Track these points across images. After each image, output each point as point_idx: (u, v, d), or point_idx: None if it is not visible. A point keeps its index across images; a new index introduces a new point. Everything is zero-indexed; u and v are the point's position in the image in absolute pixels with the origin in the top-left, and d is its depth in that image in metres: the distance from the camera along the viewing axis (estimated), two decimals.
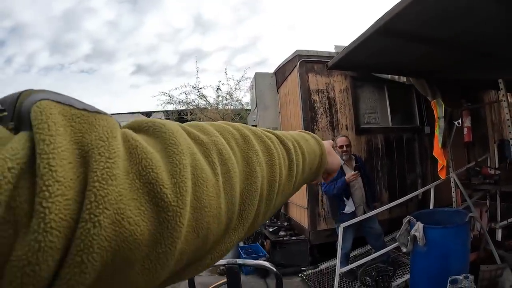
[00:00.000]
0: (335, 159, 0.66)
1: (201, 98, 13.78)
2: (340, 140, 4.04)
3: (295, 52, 5.32)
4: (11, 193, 0.20)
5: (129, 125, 0.31)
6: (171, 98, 13.70)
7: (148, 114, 18.68)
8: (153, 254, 0.25)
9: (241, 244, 5.66)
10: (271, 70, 6.75)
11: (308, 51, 5.25)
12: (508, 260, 3.24)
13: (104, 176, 0.22)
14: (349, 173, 3.80)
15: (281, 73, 6.19)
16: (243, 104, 13.77)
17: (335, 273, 3.66)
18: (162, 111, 16.61)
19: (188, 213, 0.27)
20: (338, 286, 3.55)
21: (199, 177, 0.29)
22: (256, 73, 6.76)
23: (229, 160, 0.34)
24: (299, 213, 5.43)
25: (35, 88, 0.25)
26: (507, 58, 3.14)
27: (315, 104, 5.07)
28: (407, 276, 3.58)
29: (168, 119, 13.38)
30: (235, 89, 13.55)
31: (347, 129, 5.12)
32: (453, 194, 4.09)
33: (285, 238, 5.16)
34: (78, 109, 0.24)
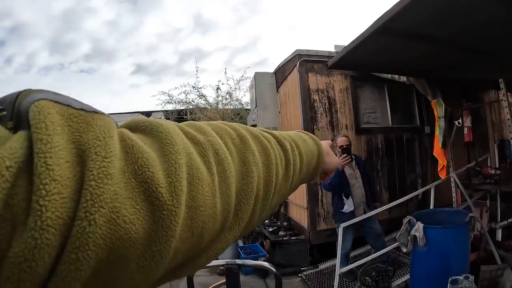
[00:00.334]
0: (332, 159, 0.66)
1: (201, 98, 13.77)
2: (341, 140, 4.03)
3: (295, 51, 5.31)
4: (9, 191, 0.20)
5: (126, 124, 0.31)
6: (171, 97, 13.69)
7: (147, 113, 18.68)
8: (148, 252, 0.25)
9: (241, 244, 5.66)
10: (271, 70, 6.74)
11: (308, 50, 5.25)
12: (509, 260, 3.23)
13: (100, 175, 0.23)
14: (340, 159, 3.57)
15: (281, 72, 6.18)
16: (242, 104, 13.76)
17: (335, 273, 3.65)
18: (161, 110, 16.60)
19: (183, 212, 0.27)
20: (338, 286, 3.54)
21: (194, 176, 0.29)
22: (256, 73, 6.76)
23: (225, 160, 0.34)
24: (299, 213, 5.42)
25: (35, 87, 0.26)
26: (508, 58, 3.13)
27: (315, 104, 5.06)
28: (407, 276, 3.58)
29: (168, 118, 13.47)
30: (235, 88, 13.54)
31: (347, 129, 5.11)
32: (453, 194, 4.08)
33: (284, 238, 5.15)
34: (75, 108, 0.25)
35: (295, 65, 5.19)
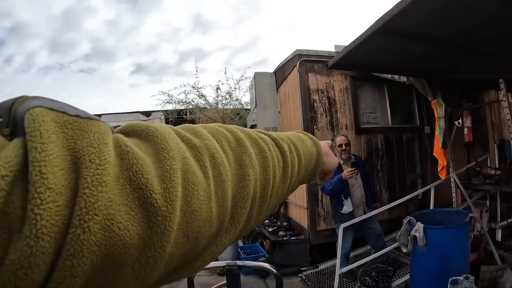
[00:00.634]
0: (332, 160, 0.65)
1: (201, 98, 13.76)
2: (339, 139, 4.03)
3: (295, 51, 5.31)
4: (5, 199, 0.20)
5: (122, 129, 0.31)
6: (171, 97, 13.67)
7: (147, 113, 18.68)
8: (143, 257, 0.25)
9: (241, 244, 5.66)
10: (271, 69, 6.74)
11: (308, 50, 5.24)
12: (509, 260, 3.23)
13: (94, 183, 0.23)
14: (347, 169, 3.77)
15: (281, 72, 6.18)
16: (242, 104, 13.75)
17: (335, 273, 3.65)
18: (161, 110, 16.59)
19: (178, 218, 0.27)
20: (338, 286, 3.54)
21: (190, 181, 0.29)
22: (255, 73, 6.76)
23: (221, 163, 0.34)
24: (299, 213, 5.42)
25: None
26: (508, 58, 3.13)
27: (315, 104, 5.06)
28: (407, 277, 3.58)
29: (168, 118, 13.43)
30: (235, 88, 13.52)
31: (347, 129, 5.11)
32: (453, 194, 4.08)
33: (284, 238, 5.15)
34: (70, 115, 0.25)
35: (295, 65, 5.19)
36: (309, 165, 0.55)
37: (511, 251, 3.54)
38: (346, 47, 3.29)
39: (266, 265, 1.32)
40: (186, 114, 15.49)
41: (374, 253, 3.78)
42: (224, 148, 0.37)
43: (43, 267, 0.21)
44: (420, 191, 4.37)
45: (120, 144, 0.27)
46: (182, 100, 13.71)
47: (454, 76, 4.12)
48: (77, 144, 0.24)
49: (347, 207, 3.85)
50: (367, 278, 3.50)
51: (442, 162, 3.81)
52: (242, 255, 4.86)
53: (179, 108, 14.61)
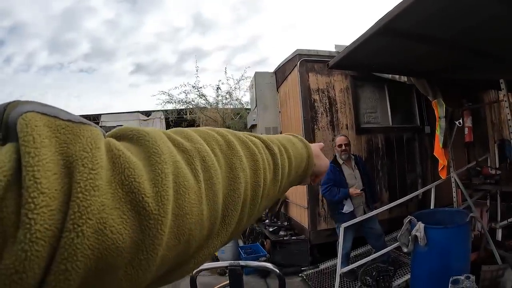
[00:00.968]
0: (322, 162, 0.65)
1: (201, 98, 13.73)
2: (339, 140, 4.04)
3: (295, 51, 5.31)
4: None
5: (114, 133, 0.32)
6: (171, 97, 13.65)
7: (147, 113, 18.68)
8: (135, 260, 0.26)
9: (241, 244, 5.66)
10: (271, 69, 6.74)
11: (308, 50, 5.25)
12: (509, 260, 3.24)
13: (87, 187, 0.23)
14: (354, 189, 3.84)
15: (281, 72, 6.18)
16: (243, 104, 13.73)
17: (335, 273, 3.65)
18: (161, 110, 16.58)
19: (170, 221, 0.28)
20: (339, 286, 3.55)
21: (181, 185, 0.30)
22: (256, 72, 6.75)
23: (212, 167, 0.35)
24: (300, 213, 5.43)
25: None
26: (509, 58, 3.13)
27: (316, 104, 5.06)
28: (407, 276, 3.58)
29: (168, 118, 13.41)
30: (235, 88, 13.51)
31: (347, 128, 5.11)
32: (454, 194, 4.09)
33: (285, 238, 5.16)
34: (63, 120, 0.25)
35: (296, 65, 5.19)
36: (299, 167, 0.56)
37: (511, 250, 3.54)
38: (347, 47, 3.29)
39: (269, 265, 1.32)
40: (186, 114, 15.47)
41: (374, 253, 3.79)
42: (215, 151, 0.37)
43: (38, 271, 0.21)
44: (420, 191, 4.38)
45: (112, 148, 0.27)
46: (182, 99, 13.68)
47: (454, 76, 4.12)
48: (69, 148, 0.24)
49: (347, 207, 3.86)
50: (368, 277, 3.51)
51: (442, 162, 3.82)
52: (243, 254, 4.86)
53: (179, 108, 14.59)
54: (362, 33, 2.91)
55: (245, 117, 11.12)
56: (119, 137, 0.31)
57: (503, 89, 3.52)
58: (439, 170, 3.92)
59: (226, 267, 1.33)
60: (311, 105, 5.03)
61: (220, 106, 13.78)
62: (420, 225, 2.93)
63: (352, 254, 4.34)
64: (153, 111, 17.89)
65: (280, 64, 6.21)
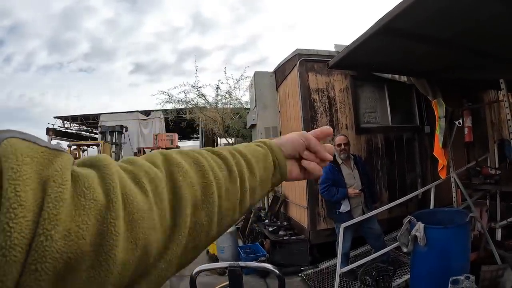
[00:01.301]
0: (289, 140, 0.63)
1: (200, 97, 13.71)
2: (338, 139, 4.04)
3: (295, 51, 5.31)
4: None
5: (78, 162, 0.37)
6: (170, 97, 13.62)
7: (147, 113, 18.68)
8: (96, 262, 0.29)
9: (241, 243, 5.66)
10: (271, 69, 6.73)
11: (308, 50, 5.24)
12: (509, 260, 3.24)
13: (57, 199, 0.28)
14: (352, 189, 3.85)
15: (281, 72, 6.17)
16: (242, 103, 13.72)
17: (335, 272, 3.65)
18: (161, 110, 16.57)
19: (122, 226, 0.32)
20: (339, 286, 3.55)
21: (128, 194, 0.35)
22: (255, 72, 6.75)
23: (156, 177, 0.39)
24: (299, 212, 5.42)
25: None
26: (509, 58, 3.13)
27: (315, 103, 5.06)
28: (407, 276, 3.59)
29: (167, 118, 13.41)
30: (235, 88, 13.49)
31: (347, 128, 5.11)
32: (454, 194, 4.09)
33: (285, 238, 5.15)
34: (41, 146, 0.30)
35: (295, 65, 5.19)
36: (265, 161, 0.57)
37: (511, 250, 3.54)
38: (347, 47, 3.28)
39: (269, 266, 1.31)
40: (185, 114, 15.46)
41: (374, 252, 3.79)
42: (156, 163, 0.42)
43: (16, 274, 0.24)
44: (420, 190, 4.38)
45: (76, 170, 0.33)
46: (181, 99, 13.65)
47: (454, 76, 4.12)
48: (44, 170, 0.29)
49: (344, 206, 3.86)
50: (368, 277, 3.51)
51: (442, 161, 3.81)
52: (242, 254, 4.86)
53: (179, 108, 14.58)
54: (362, 33, 2.91)
55: (245, 117, 11.11)
56: (80, 164, 0.37)
57: (503, 89, 3.52)
58: (438, 170, 3.92)
59: (226, 267, 1.33)
60: (310, 105, 5.02)
61: (219, 105, 13.76)
62: (420, 225, 2.92)
63: (352, 254, 4.34)
64: (153, 110, 17.91)
65: (279, 64, 6.21)
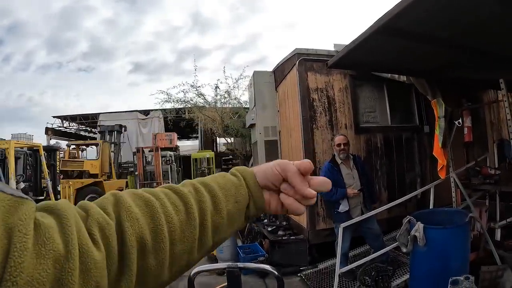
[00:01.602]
0: (265, 171, 0.57)
1: (199, 97, 13.70)
2: (338, 139, 4.04)
3: (294, 50, 5.29)
4: None
5: (39, 207, 0.39)
6: (169, 96, 13.61)
7: (146, 112, 18.66)
8: None
9: (240, 243, 5.65)
10: (270, 68, 6.72)
11: (307, 49, 5.23)
12: (508, 260, 3.24)
13: (21, 248, 0.31)
14: (351, 189, 3.84)
15: (280, 71, 6.16)
16: (241, 103, 13.71)
17: (334, 272, 3.65)
18: (160, 109, 16.56)
19: (78, 275, 0.35)
20: (338, 286, 3.54)
21: (84, 246, 0.37)
22: (254, 72, 6.74)
23: (106, 227, 0.41)
24: None
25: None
26: (508, 58, 3.12)
27: (314, 103, 5.04)
28: (406, 276, 3.58)
29: (166, 117, 13.44)
30: (234, 87, 13.48)
31: (346, 128, 5.10)
32: (453, 194, 4.08)
33: (284, 238, 5.14)
34: (7, 194, 0.33)
35: (294, 64, 5.17)
36: (237, 193, 0.54)
37: (511, 250, 3.54)
38: (346, 46, 3.27)
39: (268, 267, 1.30)
40: (184, 113, 15.45)
41: (373, 252, 3.78)
42: (107, 210, 0.44)
43: None
44: (419, 190, 4.37)
45: (38, 218, 0.35)
46: (180, 99, 13.64)
47: (454, 76, 4.12)
48: (10, 217, 0.32)
49: (343, 206, 3.86)
50: (367, 277, 3.50)
51: (442, 161, 3.80)
52: (241, 254, 4.85)
53: (178, 107, 14.57)
54: (361, 32, 2.90)
55: (244, 116, 11.09)
56: (42, 209, 0.39)
57: (502, 89, 3.51)
58: (438, 170, 3.91)
59: (224, 268, 1.32)
60: (310, 104, 5.01)
61: (218, 105, 13.75)
62: (419, 225, 2.91)
63: (351, 254, 4.33)
64: (152, 110, 17.90)
65: (279, 63, 6.19)
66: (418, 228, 2.91)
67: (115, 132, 14.03)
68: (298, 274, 4.42)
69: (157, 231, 0.45)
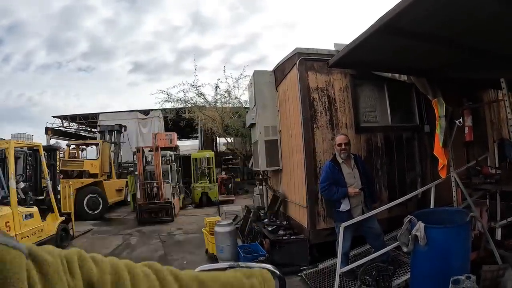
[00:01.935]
0: None
1: (199, 96, 13.70)
2: (339, 139, 4.04)
3: (294, 50, 5.28)
4: None
5: (30, 255, 0.40)
6: (169, 96, 13.60)
7: (146, 112, 18.64)
8: None
9: (240, 243, 5.64)
10: (270, 68, 6.70)
11: (307, 49, 5.22)
12: (509, 259, 3.23)
13: None
14: (352, 188, 3.84)
15: (280, 71, 6.15)
16: (241, 102, 13.71)
17: (334, 272, 3.64)
18: (160, 109, 16.55)
19: None
20: (339, 286, 3.53)
21: None
22: (255, 71, 6.71)
23: None
24: (298, 212, 5.41)
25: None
26: (510, 57, 3.12)
27: (315, 103, 5.04)
28: (407, 276, 3.57)
29: (166, 117, 13.46)
30: (234, 87, 13.48)
31: (346, 127, 5.09)
32: (454, 194, 4.07)
33: (284, 237, 5.13)
34: (1, 244, 0.34)
35: (295, 64, 5.16)
36: None
37: (511, 250, 3.53)
38: (347, 45, 3.27)
39: (269, 266, 1.28)
40: (184, 113, 15.44)
41: (374, 252, 3.78)
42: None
43: None
44: (420, 190, 4.36)
45: (30, 270, 0.37)
46: (180, 98, 13.64)
47: (455, 75, 4.11)
48: (2, 265, 0.33)
49: (344, 205, 3.86)
50: (368, 277, 3.50)
51: (442, 161, 3.80)
52: (242, 254, 4.84)
53: (178, 107, 14.56)
54: (362, 32, 2.89)
55: (244, 116, 11.09)
56: (30, 256, 0.39)
57: (503, 88, 3.50)
58: (439, 169, 3.90)
59: (226, 268, 1.30)
60: (310, 104, 5.00)
61: (218, 105, 13.75)
62: (420, 225, 2.91)
63: (352, 253, 4.33)
64: (152, 110, 17.89)
65: (279, 63, 6.18)
66: (419, 228, 2.91)
67: (115, 131, 14.02)
68: (299, 274, 4.42)
69: None
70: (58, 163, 8.19)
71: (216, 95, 13.71)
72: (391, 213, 4.69)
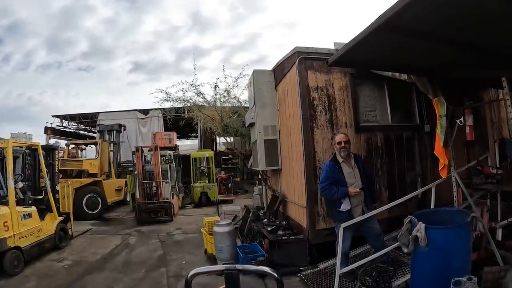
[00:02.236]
0: None
1: (199, 96, 13.67)
2: (339, 137, 4.02)
3: (294, 49, 5.25)
4: None
5: None
6: (169, 95, 13.56)
7: (145, 111, 18.62)
8: None
9: (239, 243, 5.61)
10: (270, 67, 6.67)
11: (307, 48, 5.18)
12: (510, 260, 3.21)
13: None
14: (353, 188, 3.81)
15: (280, 70, 6.12)
16: (241, 102, 13.68)
17: (334, 272, 3.62)
18: (159, 108, 16.52)
19: None
20: (338, 287, 3.51)
21: None
22: (254, 70, 6.68)
23: None
24: (298, 212, 5.38)
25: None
26: (510, 56, 3.09)
27: (314, 102, 5.01)
28: (407, 276, 3.55)
29: (166, 116, 13.49)
30: (233, 86, 13.45)
31: (346, 127, 5.06)
32: (455, 194, 4.05)
33: (283, 238, 5.10)
34: None
35: (294, 63, 5.13)
36: None
37: None
38: (346, 44, 3.24)
39: (267, 269, 1.27)
40: (184, 112, 15.42)
41: (374, 252, 3.75)
42: None
43: None
44: (420, 190, 4.33)
45: None
46: (180, 98, 13.61)
47: (456, 74, 4.08)
48: None
49: (345, 205, 3.83)
50: (368, 278, 3.47)
51: (443, 161, 3.77)
52: (241, 254, 4.82)
53: (177, 106, 14.52)
54: (362, 30, 2.86)
55: (243, 115, 11.06)
56: None
57: (505, 87, 3.47)
58: (439, 169, 3.87)
59: (223, 271, 1.28)
60: (310, 103, 4.97)
61: (218, 104, 13.73)
62: (421, 225, 2.88)
63: (352, 253, 4.30)
64: (151, 109, 17.87)
65: (278, 62, 6.15)
66: (420, 228, 2.88)
67: (115, 131, 14.00)
68: (298, 274, 4.39)
69: None
70: (57, 162, 8.16)
71: (215, 94, 13.69)
72: (391, 213, 4.66)
